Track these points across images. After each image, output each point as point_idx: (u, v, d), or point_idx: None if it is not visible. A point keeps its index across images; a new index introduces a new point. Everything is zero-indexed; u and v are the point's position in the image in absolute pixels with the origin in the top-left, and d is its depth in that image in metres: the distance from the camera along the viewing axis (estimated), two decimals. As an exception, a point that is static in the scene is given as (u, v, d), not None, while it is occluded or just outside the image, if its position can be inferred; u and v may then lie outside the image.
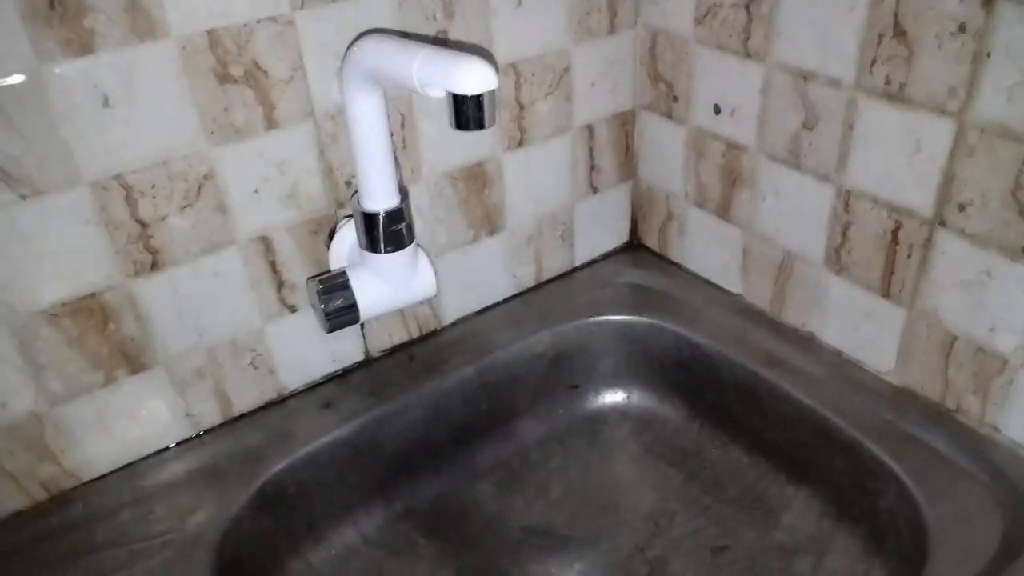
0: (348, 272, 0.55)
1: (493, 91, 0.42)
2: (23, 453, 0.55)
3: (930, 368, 0.61)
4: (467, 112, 0.41)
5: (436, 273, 0.60)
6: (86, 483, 0.59)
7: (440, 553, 0.65)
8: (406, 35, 0.58)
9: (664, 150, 0.76)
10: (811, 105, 0.60)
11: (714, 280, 0.77)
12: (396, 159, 0.61)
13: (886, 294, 0.61)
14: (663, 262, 0.81)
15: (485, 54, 0.63)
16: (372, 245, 0.54)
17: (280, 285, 0.61)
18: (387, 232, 0.53)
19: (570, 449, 0.74)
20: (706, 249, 0.76)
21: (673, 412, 0.75)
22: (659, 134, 0.75)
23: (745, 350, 0.70)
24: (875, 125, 0.57)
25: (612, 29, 0.70)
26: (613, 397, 0.77)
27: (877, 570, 0.59)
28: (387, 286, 0.56)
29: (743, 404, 0.69)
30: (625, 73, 0.74)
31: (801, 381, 0.66)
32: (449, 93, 0.42)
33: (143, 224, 0.53)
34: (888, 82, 0.54)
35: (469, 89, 0.41)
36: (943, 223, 0.55)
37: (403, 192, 0.55)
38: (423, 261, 0.58)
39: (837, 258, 0.64)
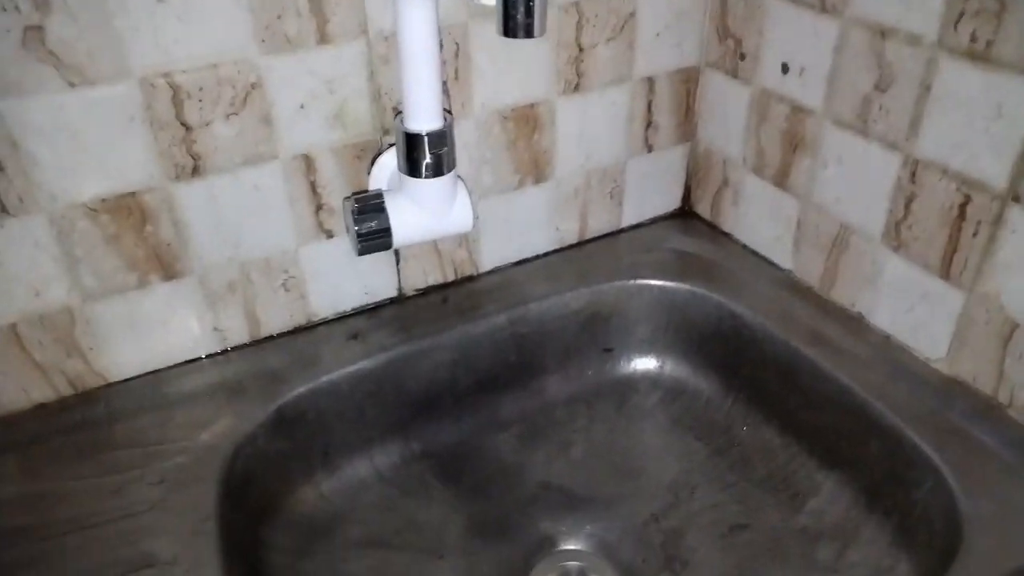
0: (385, 196, 0.54)
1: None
2: (52, 345, 0.56)
3: (985, 358, 0.57)
4: (515, 17, 0.39)
5: (474, 209, 0.58)
6: (111, 384, 0.59)
7: (453, 499, 0.65)
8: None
9: (726, 111, 0.73)
10: (886, 65, 0.57)
11: (764, 253, 0.74)
12: (446, 87, 0.60)
13: (945, 275, 0.58)
14: (714, 232, 0.78)
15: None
16: (412, 168, 0.53)
17: (319, 208, 0.61)
18: (428, 155, 0.52)
19: (597, 412, 0.72)
20: (759, 220, 0.73)
21: (706, 385, 0.72)
22: (722, 94, 0.72)
23: (789, 326, 0.67)
24: (954, 87, 0.53)
25: (683, -21, 0.68)
26: (646, 364, 0.75)
27: (904, 564, 0.56)
28: (423, 214, 0.55)
29: (781, 382, 0.67)
30: (693, 27, 0.71)
31: (844, 362, 0.63)
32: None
33: (187, 127, 0.53)
34: (974, 39, 0.50)
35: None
36: (1016, 198, 0.51)
37: (448, 119, 0.54)
38: (462, 193, 0.56)
39: (896, 233, 0.60)
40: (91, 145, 0.51)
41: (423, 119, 0.51)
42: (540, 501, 0.65)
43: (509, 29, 0.40)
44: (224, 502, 0.52)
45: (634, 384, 0.74)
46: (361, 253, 0.54)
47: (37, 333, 0.55)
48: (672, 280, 0.72)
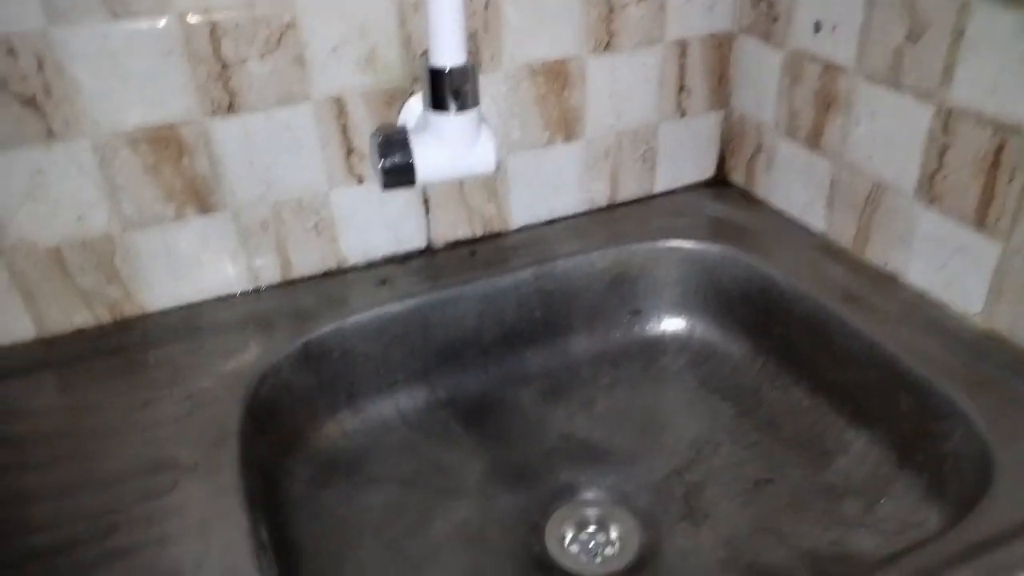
0: (410, 132, 0.56)
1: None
2: (93, 271, 0.59)
3: (1022, 310, 0.55)
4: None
5: (498, 153, 0.59)
6: (147, 315, 0.62)
7: (475, 445, 0.65)
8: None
9: (759, 76, 0.72)
10: (918, 13, 0.56)
11: (798, 217, 0.73)
12: (475, 39, 0.62)
13: (980, 226, 0.56)
14: (748, 199, 0.78)
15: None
16: (436, 102, 0.54)
17: (349, 151, 0.63)
18: (452, 90, 0.53)
19: (622, 372, 0.72)
20: (792, 184, 0.72)
21: (736, 348, 0.71)
22: (756, 59, 0.72)
23: (821, 286, 0.65)
24: (990, 29, 0.52)
25: (716, -60, 0.68)
26: (675, 326, 0.74)
27: (935, 517, 0.54)
28: (446, 150, 0.56)
29: (811, 342, 0.65)
30: (725, -10, 0.71)
31: (876, 319, 0.61)
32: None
33: (224, 64, 0.56)
34: (1004, -27, 0.50)
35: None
36: (1050, 135, 0.50)
37: (471, 58, 0.55)
38: (486, 134, 0.57)
39: (930, 187, 0.59)
40: (132, 75, 0.54)
41: (447, 55, 0.53)
42: (561, 452, 0.65)
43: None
44: (246, 422, 0.54)
45: (662, 346, 0.74)
46: (386, 186, 0.56)
47: (79, 258, 0.58)
48: (703, 242, 0.72)
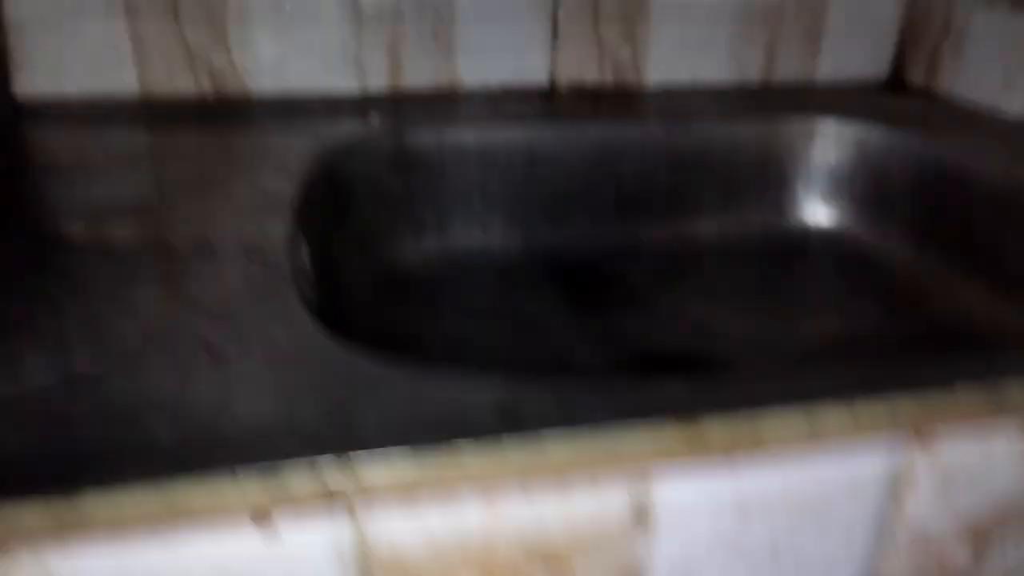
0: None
1: None
2: (205, 28, 0.55)
3: None
4: None
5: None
6: (247, 93, 0.58)
7: (569, 308, 0.56)
8: None
9: (961, -58, 0.62)
10: None
11: (992, 104, 0.61)
12: None
13: None
14: (927, 96, 0.67)
15: None
16: None
17: (482, -50, 0.58)
18: None
19: (754, 265, 0.61)
20: (987, 63, 0.61)
21: (896, 244, 0.60)
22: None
23: (1013, 169, 0.53)
24: None
25: None
26: (822, 217, 0.63)
27: None
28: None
29: (992, 233, 0.53)
30: None
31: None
32: None
33: None
34: None
35: None
36: None
37: None
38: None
39: None
40: None
41: None
42: (670, 330, 0.55)
43: None
44: (310, 199, 0.47)
45: (805, 239, 0.63)
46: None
47: (195, 10, 0.55)
48: (869, 125, 0.61)
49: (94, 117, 0.54)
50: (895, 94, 0.67)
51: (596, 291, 0.58)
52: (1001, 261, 0.53)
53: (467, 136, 0.58)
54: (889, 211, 0.61)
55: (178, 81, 0.57)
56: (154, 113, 0.55)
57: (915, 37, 0.68)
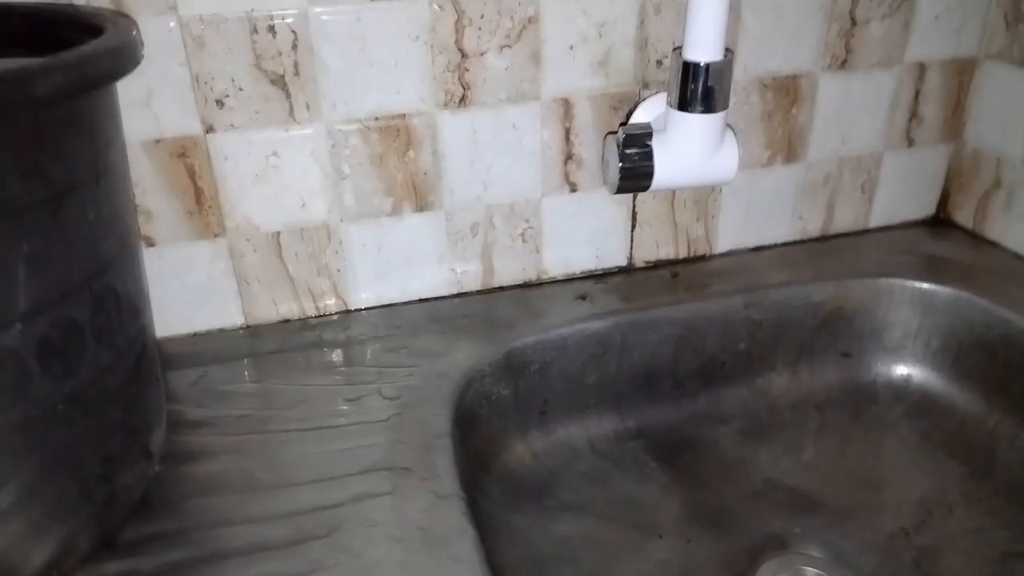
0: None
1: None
2: (307, 261, 0.57)
3: None
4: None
5: (739, 157, 0.55)
6: (349, 311, 0.60)
7: (669, 482, 0.60)
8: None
9: (1007, 106, 0.66)
10: None
11: (1041, 260, 0.66)
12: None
13: None
14: (975, 240, 0.71)
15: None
16: (683, 102, 0.51)
17: (568, 157, 0.60)
18: (704, 88, 0.50)
19: (829, 418, 0.66)
20: (1039, 224, 0.65)
21: (964, 400, 0.64)
22: (1003, 86, 0.66)
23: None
24: None
25: (973, -43, 0.63)
26: (891, 373, 0.67)
27: None
28: (688, 153, 0.52)
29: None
30: (977, 13, 0.65)
31: None
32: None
33: (463, 54, 0.54)
34: None
35: None
36: None
37: (728, 55, 0.51)
38: (729, 138, 0.54)
39: None
40: (376, 60, 0.53)
41: (704, 50, 0.50)
42: (767, 498, 0.59)
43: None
44: (455, 426, 0.51)
45: (875, 394, 0.67)
46: (620, 189, 0.52)
47: (296, 245, 0.57)
48: (932, 282, 0.66)
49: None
50: (946, 238, 0.71)
51: (691, 462, 0.62)
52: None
53: (565, 333, 0.61)
54: (956, 367, 0.65)
55: (281, 307, 0.58)
56: (259, 344, 0.57)
57: (962, 185, 0.72)
